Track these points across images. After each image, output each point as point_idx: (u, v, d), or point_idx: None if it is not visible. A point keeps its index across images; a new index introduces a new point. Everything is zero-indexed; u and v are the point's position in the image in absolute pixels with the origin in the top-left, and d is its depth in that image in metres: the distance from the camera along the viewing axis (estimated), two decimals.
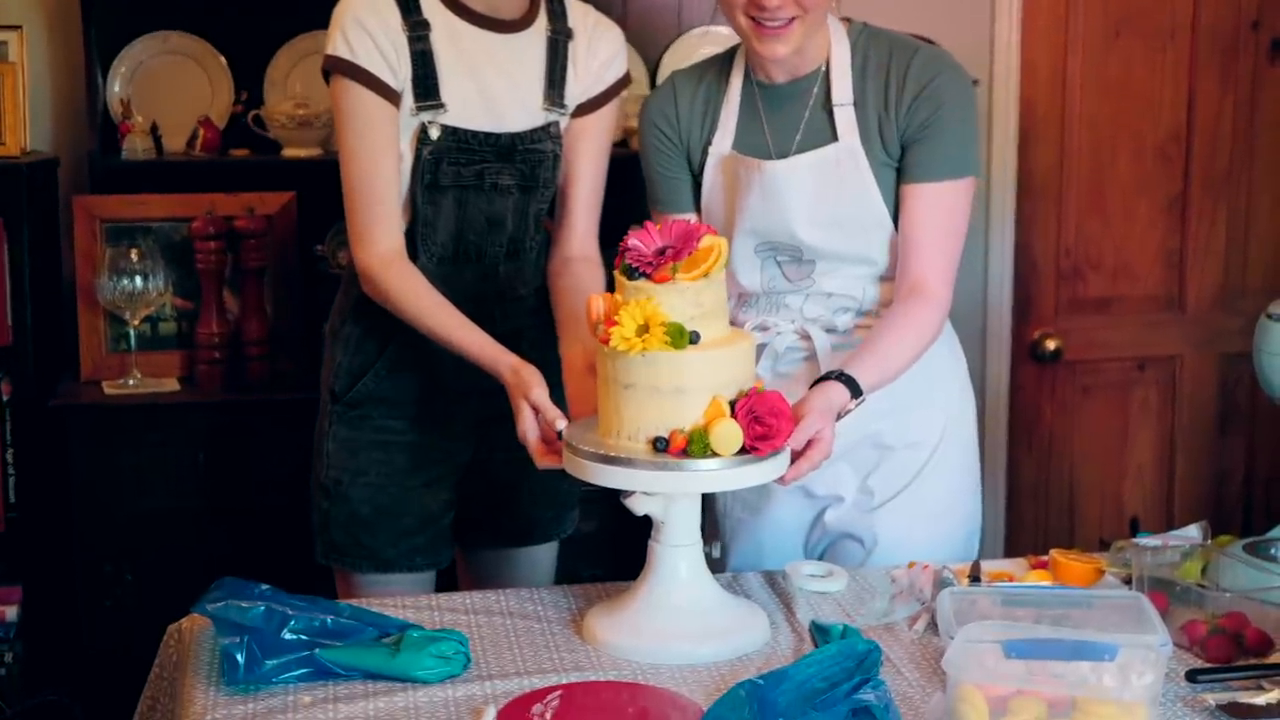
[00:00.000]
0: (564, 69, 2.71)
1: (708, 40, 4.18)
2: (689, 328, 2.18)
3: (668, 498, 2.24)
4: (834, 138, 2.57)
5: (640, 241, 2.24)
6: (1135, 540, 2.51)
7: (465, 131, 2.63)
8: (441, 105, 2.61)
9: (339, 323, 2.75)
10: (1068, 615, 2.20)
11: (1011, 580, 2.44)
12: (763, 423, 2.18)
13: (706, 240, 2.23)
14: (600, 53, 2.75)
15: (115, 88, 3.98)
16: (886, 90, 2.56)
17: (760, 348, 2.62)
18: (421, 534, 2.74)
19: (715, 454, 2.17)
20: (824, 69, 2.59)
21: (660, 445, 2.18)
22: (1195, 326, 4.58)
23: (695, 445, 2.17)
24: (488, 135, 2.64)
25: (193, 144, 3.93)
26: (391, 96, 2.59)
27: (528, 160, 2.68)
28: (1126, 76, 4.40)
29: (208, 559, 3.59)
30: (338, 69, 2.59)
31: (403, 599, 2.46)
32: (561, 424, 2.36)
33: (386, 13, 2.59)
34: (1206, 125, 4.52)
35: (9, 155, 3.73)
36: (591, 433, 2.29)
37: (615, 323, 2.18)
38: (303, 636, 2.15)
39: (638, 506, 2.24)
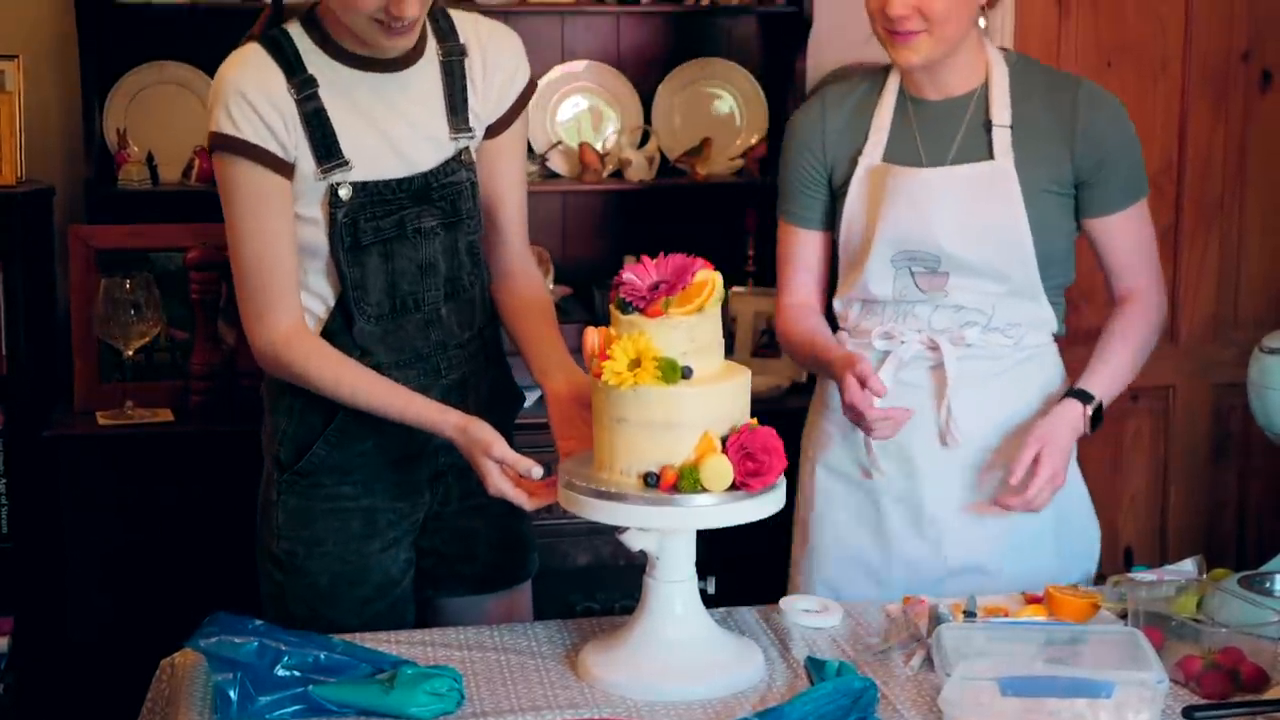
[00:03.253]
0: (464, 91, 2.58)
1: None
2: (682, 362, 2.18)
3: (663, 533, 2.23)
4: (989, 155, 2.64)
5: (635, 275, 2.25)
6: (1130, 575, 2.51)
7: (376, 183, 2.51)
8: (346, 162, 2.48)
9: (277, 390, 2.61)
10: (1064, 651, 2.20)
11: (1007, 615, 2.44)
12: (754, 459, 2.18)
13: (701, 275, 2.23)
14: (500, 66, 2.62)
15: (112, 117, 3.98)
16: (1052, 121, 2.65)
17: (884, 354, 2.69)
18: (382, 600, 2.64)
19: (705, 489, 2.17)
20: (982, 90, 2.68)
21: (651, 480, 2.18)
22: (1188, 357, 4.58)
23: (685, 481, 2.17)
24: (400, 181, 2.53)
25: (189, 174, 3.94)
26: (283, 169, 2.45)
27: (445, 196, 2.57)
28: None
29: (201, 592, 3.58)
30: (222, 146, 2.44)
31: (395, 635, 2.45)
32: (537, 471, 2.36)
33: (269, 78, 2.44)
34: (1198, 156, 4.53)
35: (4, 185, 3.73)
36: (587, 467, 2.29)
37: (608, 357, 2.19)
38: (296, 673, 2.14)
39: (633, 542, 2.24)
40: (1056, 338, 2.76)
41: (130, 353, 3.68)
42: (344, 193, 2.48)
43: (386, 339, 2.56)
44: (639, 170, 4.17)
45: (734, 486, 2.18)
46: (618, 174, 4.19)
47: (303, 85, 2.46)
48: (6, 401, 3.69)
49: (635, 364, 2.18)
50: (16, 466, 3.70)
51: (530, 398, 2.84)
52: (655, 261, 2.25)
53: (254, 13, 2.57)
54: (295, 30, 2.50)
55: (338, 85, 2.49)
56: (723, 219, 4.31)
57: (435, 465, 2.63)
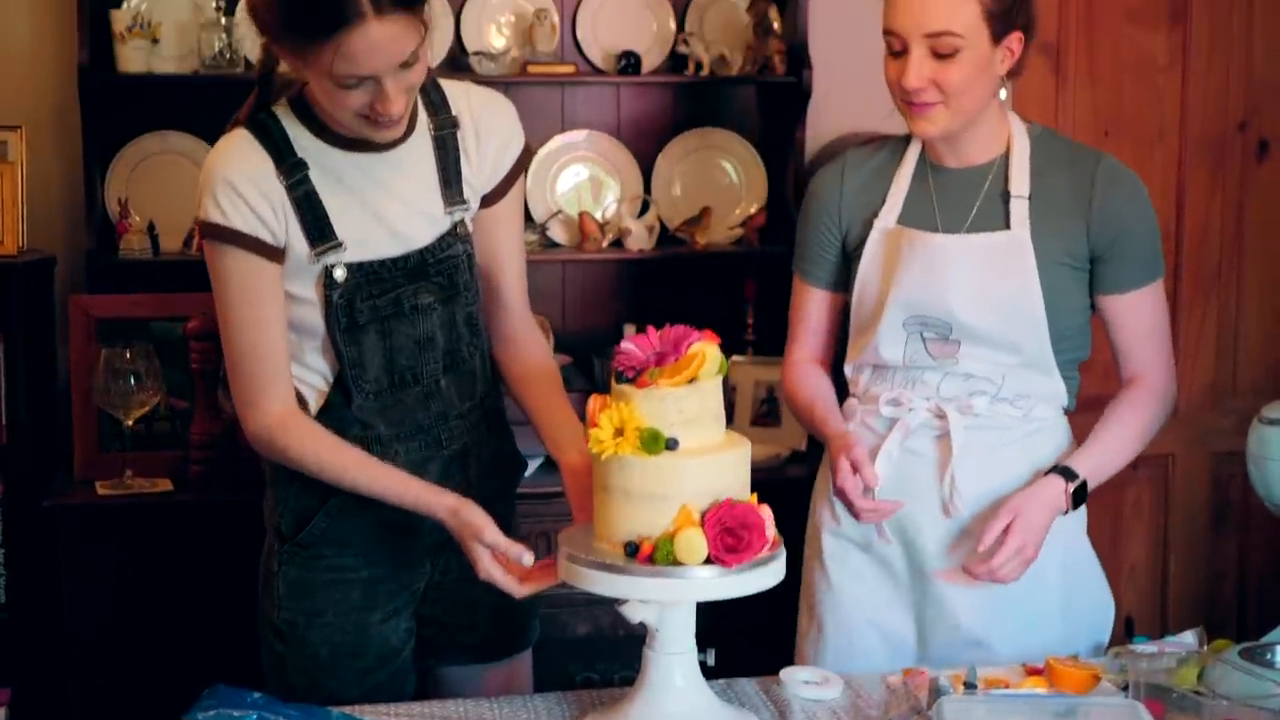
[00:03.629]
0: (457, 163, 2.56)
1: None
2: (670, 434, 2.18)
3: (662, 605, 2.23)
4: (1006, 225, 2.64)
5: (635, 346, 2.25)
6: (1131, 646, 2.50)
7: (371, 263, 2.49)
8: (339, 244, 2.46)
9: (278, 462, 2.58)
10: None
11: (1007, 687, 2.43)
12: (733, 534, 2.16)
13: (695, 347, 2.23)
14: (494, 135, 2.59)
15: (113, 187, 4.01)
16: (1070, 194, 2.64)
17: (891, 421, 2.69)
18: (382, 670, 2.62)
19: (679, 563, 2.16)
20: (1002, 160, 2.68)
21: (630, 550, 2.18)
22: (1187, 425, 4.59)
23: (660, 552, 2.16)
24: (395, 260, 2.50)
25: (190, 243, 3.95)
26: (273, 255, 2.44)
27: (442, 271, 2.55)
28: None
29: (200, 663, 3.57)
30: (211, 235, 2.43)
31: (395, 707, 2.43)
32: (528, 558, 2.35)
33: (257, 165, 2.42)
34: (1196, 225, 4.56)
35: (6, 255, 3.75)
36: (588, 537, 2.29)
37: (596, 424, 2.20)
38: None
39: (633, 614, 2.23)
40: (1066, 411, 2.74)
41: (130, 422, 3.68)
42: (339, 274, 2.47)
43: (386, 413, 2.55)
44: (639, 239, 4.19)
45: (709, 561, 2.16)
46: (618, 243, 4.21)
47: (292, 170, 2.43)
48: (6, 471, 3.69)
49: (619, 433, 2.19)
50: (16, 536, 3.70)
51: (532, 465, 2.84)
52: (660, 332, 2.26)
53: (255, 84, 2.56)
54: (283, 112, 2.47)
55: (328, 166, 2.46)
56: (723, 288, 4.32)
57: (437, 535, 2.62)
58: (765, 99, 4.39)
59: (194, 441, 3.75)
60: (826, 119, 4.27)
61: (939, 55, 2.54)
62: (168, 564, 3.65)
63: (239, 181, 2.41)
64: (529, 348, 2.72)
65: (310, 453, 2.48)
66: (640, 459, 2.17)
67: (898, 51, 2.58)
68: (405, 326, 2.53)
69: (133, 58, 3.92)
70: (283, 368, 2.49)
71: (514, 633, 2.78)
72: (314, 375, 2.55)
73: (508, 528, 2.69)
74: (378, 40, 2.25)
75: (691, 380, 2.21)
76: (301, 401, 2.55)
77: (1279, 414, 2.62)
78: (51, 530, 3.64)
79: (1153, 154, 4.52)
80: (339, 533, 2.57)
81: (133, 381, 3.64)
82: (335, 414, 2.53)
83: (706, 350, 2.23)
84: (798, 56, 4.18)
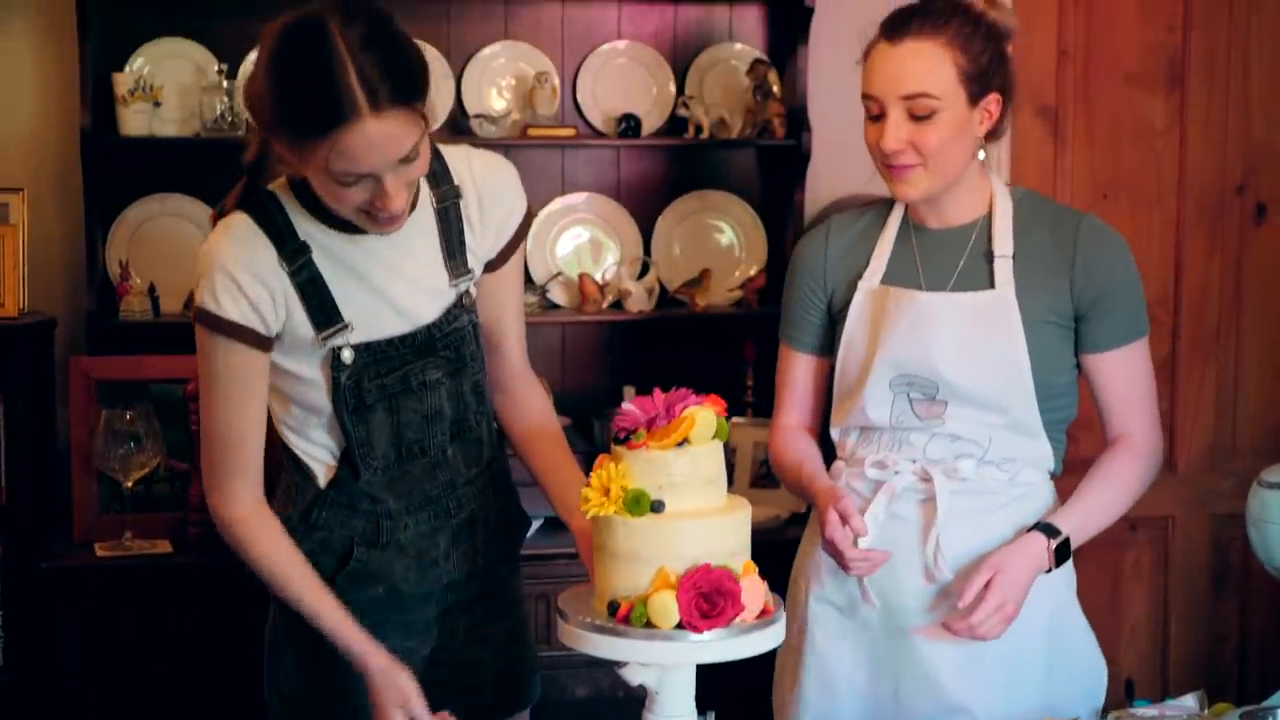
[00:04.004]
0: (461, 233, 2.51)
1: None
2: (658, 496, 2.19)
3: (662, 668, 2.22)
4: (990, 285, 2.64)
5: (636, 407, 2.26)
6: (1131, 710, 2.49)
7: (379, 343, 2.45)
8: (346, 325, 2.41)
9: (289, 532, 2.54)
10: None
11: None
12: (708, 600, 2.15)
13: (688, 411, 2.24)
14: (498, 202, 2.55)
15: (115, 248, 4.02)
16: (1054, 252, 2.64)
17: (876, 484, 2.67)
18: None
19: (652, 625, 2.15)
20: (984, 220, 2.68)
21: (612, 609, 2.19)
22: (1186, 487, 4.59)
23: (635, 614, 2.16)
24: (403, 338, 2.47)
25: (190, 305, 3.95)
26: (263, 345, 2.40)
27: (450, 345, 2.52)
28: None
29: None
30: (204, 321, 2.38)
31: None
32: None
33: (258, 252, 2.37)
34: (1194, 287, 4.57)
35: (7, 316, 3.75)
36: (586, 598, 2.28)
37: (588, 484, 2.22)
38: None
39: (633, 677, 2.22)
40: (1052, 476, 2.72)
41: (130, 484, 3.68)
42: (346, 356, 2.43)
43: (394, 486, 2.53)
44: (639, 301, 4.20)
45: (681, 625, 2.15)
46: (618, 304, 4.22)
47: (295, 255, 2.39)
48: (5, 532, 3.69)
49: (606, 493, 2.20)
50: (15, 597, 3.69)
51: (533, 526, 2.83)
52: (665, 395, 2.27)
53: (245, 172, 2.47)
54: (283, 194, 2.42)
55: (331, 249, 2.41)
56: (722, 349, 4.33)
57: (444, 603, 2.61)
58: (765, 162, 4.42)
59: (193, 503, 3.74)
60: (826, 182, 4.29)
61: (916, 117, 2.55)
62: (167, 626, 3.64)
63: (238, 272, 2.36)
64: (531, 404, 2.72)
65: (261, 556, 2.45)
66: (624, 519, 2.18)
67: (876, 115, 2.60)
68: (413, 402, 2.50)
69: (135, 121, 3.94)
70: (251, 460, 2.45)
71: (517, 692, 2.77)
72: (321, 450, 2.53)
73: (511, 590, 2.70)
74: (375, 138, 2.21)
75: (682, 444, 2.21)
76: (309, 475, 2.53)
77: (1279, 478, 2.62)
78: (51, 592, 3.63)
79: (1151, 216, 4.54)
80: (350, 604, 2.52)
81: (132, 443, 3.64)
82: (344, 489, 2.51)
83: (698, 414, 2.23)
84: (797, 120, 4.21)
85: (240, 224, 2.40)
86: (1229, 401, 4.62)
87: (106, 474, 3.70)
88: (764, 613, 2.21)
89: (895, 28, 2.59)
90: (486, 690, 2.72)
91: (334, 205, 2.34)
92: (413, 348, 2.48)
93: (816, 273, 2.78)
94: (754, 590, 2.19)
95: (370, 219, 2.33)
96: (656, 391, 2.26)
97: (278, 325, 2.40)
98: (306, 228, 2.40)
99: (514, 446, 2.72)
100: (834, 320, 2.77)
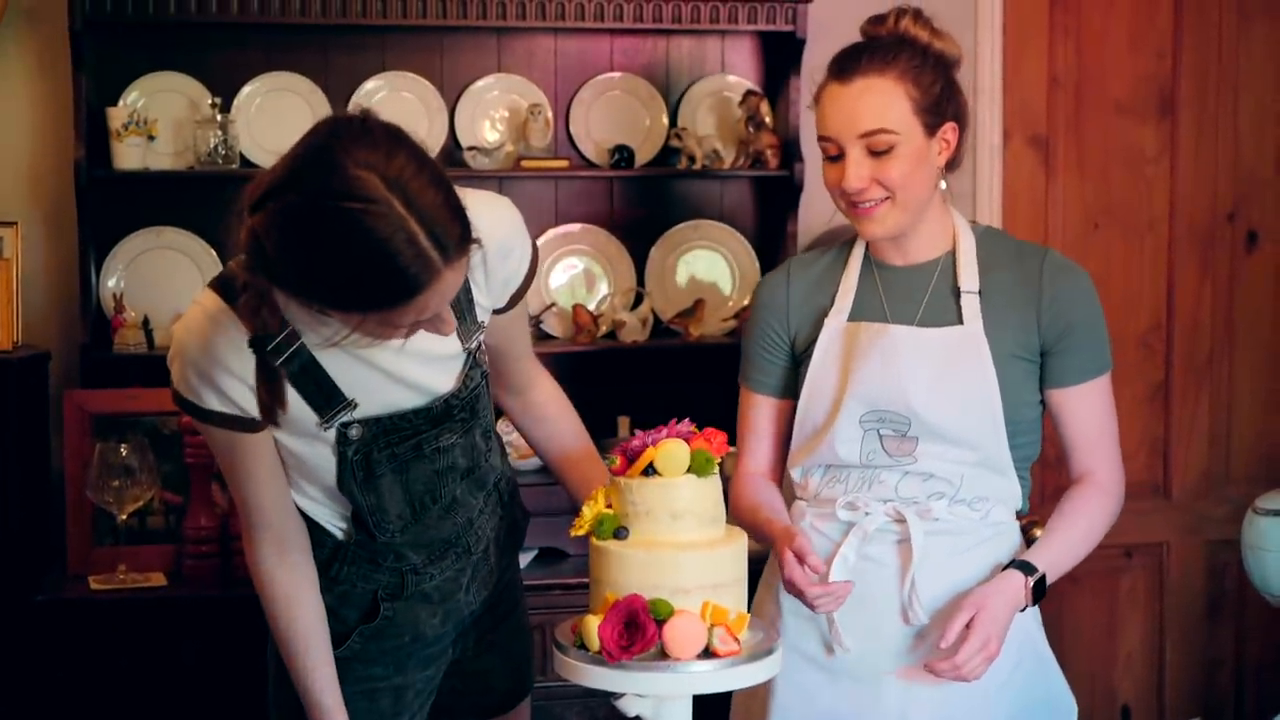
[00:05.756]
0: (469, 292, 2.36)
1: None
2: (625, 524, 2.24)
3: (658, 699, 2.22)
4: (958, 320, 2.62)
5: (639, 439, 2.30)
6: None
7: (390, 416, 2.33)
8: (350, 403, 2.28)
9: None
10: None
11: None
12: (625, 632, 2.17)
13: (662, 444, 2.26)
14: (504, 257, 2.39)
15: (109, 282, 4.02)
16: (1019, 287, 2.63)
17: (848, 526, 2.62)
18: None
19: (586, 648, 2.20)
20: (948, 256, 2.66)
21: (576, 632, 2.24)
22: (1181, 513, 4.59)
23: (577, 635, 2.23)
24: (416, 410, 2.35)
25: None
26: (255, 426, 2.25)
27: (466, 406, 2.41)
28: (1106, 268, 4.47)
29: None
30: (182, 407, 2.26)
31: None
32: None
33: (237, 349, 2.19)
34: (1186, 315, 4.58)
35: (0, 350, 3.75)
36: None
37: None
38: None
39: (629, 708, 2.22)
40: (1019, 515, 2.68)
41: (124, 517, 3.67)
42: (354, 433, 2.31)
43: (412, 541, 2.47)
44: (633, 331, 4.21)
45: (599, 653, 2.18)
46: (612, 335, 4.23)
47: (283, 345, 2.20)
48: None
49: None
50: (8, 631, 3.68)
51: (526, 558, 2.83)
52: (669, 426, 2.31)
53: (249, 180, 2.10)
54: (281, 296, 2.14)
55: (324, 333, 2.16)
56: (716, 379, 4.32)
57: (461, 627, 2.60)
58: (758, 192, 4.43)
59: (188, 536, 3.74)
60: (818, 212, 4.28)
61: (875, 153, 2.54)
62: (162, 659, 3.63)
63: (214, 370, 2.20)
64: (547, 403, 2.70)
65: (270, 618, 2.42)
66: (595, 543, 2.24)
67: (834, 156, 2.58)
68: (424, 465, 2.41)
69: (129, 154, 3.95)
70: (270, 520, 2.37)
71: (521, 687, 2.78)
72: (336, 517, 2.46)
73: (514, 590, 2.72)
74: (448, 286, 2.06)
75: (649, 473, 2.25)
76: (327, 533, 2.46)
77: (1274, 505, 2.63)
78: (44, 625, 3.62)
79: (1143, 244, 4.56)
80: (370, 652, 2.50)
81: (126, 476, 3.63)
82: (366, 548, 2.46)
83: (665, 446, 2.26)
84: (789, 150, 4.22)
85: (215, 315, 2.21)
86: (1223, 428, 4.63)
87: (100, 507, 3.69)
88: (731, 653, 2.20)
89: (844, 67, 2.57)
90: (495, 691, 2.72)
91: (379, 340, 2.15)
92: (428, 418, 2.38)
93: (779, 313, 2.74)
94: (687, 631, 2.17)
95: (406, 337, 2.17)
96: (673, 423, 2.30)
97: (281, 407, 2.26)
98: (294, 312, 2.18)
99: (547, 464, 2.74)
100: (797, 361, 2.73)
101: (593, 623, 2.18)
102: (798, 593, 2.49)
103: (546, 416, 2.71)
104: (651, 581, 2.20)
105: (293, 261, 2.01)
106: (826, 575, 2.53)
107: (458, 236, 2.04)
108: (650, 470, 2.25)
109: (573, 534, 2.25)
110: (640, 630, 2.15)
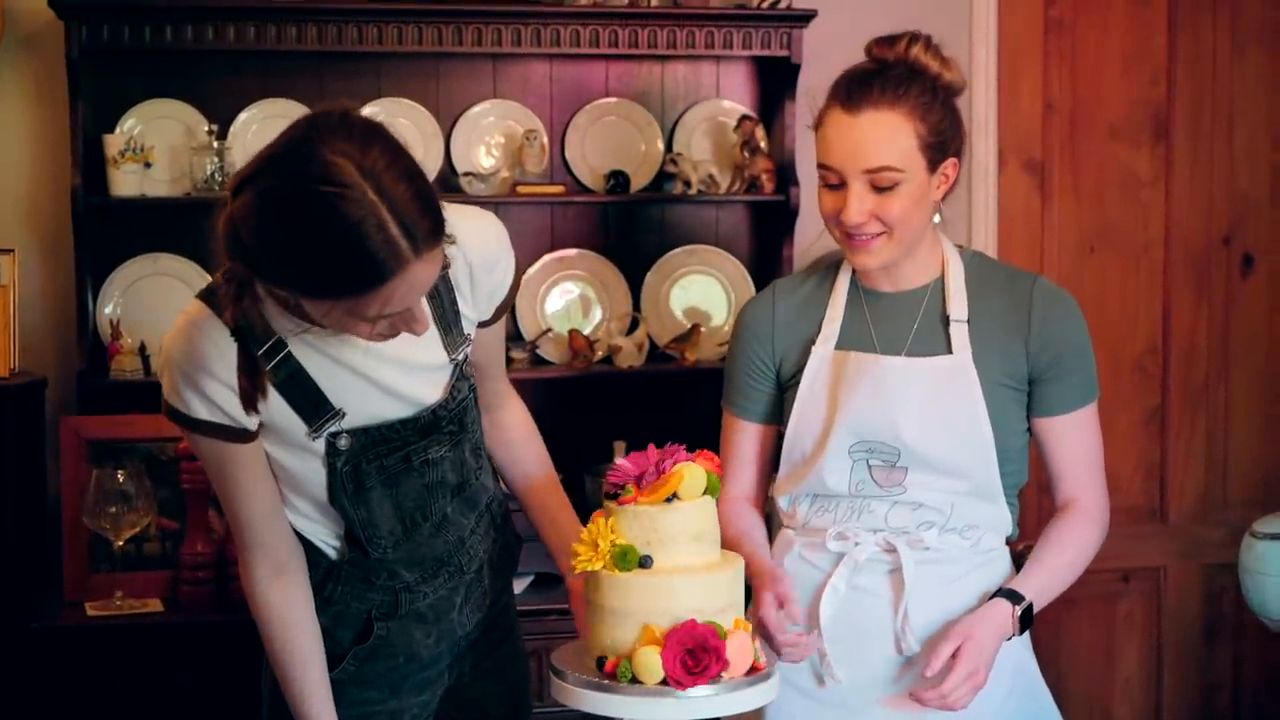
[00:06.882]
0: (454, 304, 2.39)
1: None
2: (646, 552, 2.20)
3: None
4: (947, 349, 2.59)
5: (631, 464, 2.26)
6: None
7: (378, 426, 2.34)
8: (338, 413, 2.29)
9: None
10: None
11: None
12: (693, 656, 2.15)
13: (678, 468, 2.24)
14: (490, 269, 2.42)
15: (106, 308, 4.03)
16: (1008, 315, 2.60)
17: (838, 557, 2.61)
18: None
19: (638, 681, 2.15)
20: (937, 284, 2.63)
21: (599, 665, 2.19)
22: (1178, 537, 4.59)
23: (622, 670, 2.16)
24: (404, 421, 2.36)
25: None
26: (244, 436, 2.26)
27: (454, 419, 2.43)
28: (1101, 292, 4.48)
29: None
30: (172, 419, 2.27)
31: None
32: None
33: (224, 357, 2.19)
34: (1182, 338, 4.59)
35: None
36: (579, 655, 2.28)
37: (580, 540, 2.23)
38: None
39: None
40: (1008, 541, 2.67)
41: (120, 543, 3.67)
42: (343, 443, 2.32)
43: (405, 559, 2.47)
44: (629, 356, 4.21)
45: (665, 682, 2.15)
46: (608, 360, 4.23)
47: (270, 353, 2.23)
48: None
49: (596, 548, 2.21)
50: (4, 657, 3.67)
51: (521, 584, 2.83)
52: (659, 451, 2.26)
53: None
54: (260, 288, 2.15)
55: (311, 341, 2.24)
56: (713, 404, 4.31)
57: (456, 650, 2.60)
58: (753, 216, 4.43)
59: (185, 562, 3.73)
60: (814, 236, 4.29)
61: (878, 189, 2.50)
62: (158, 685, 3.62)
63: (202, 378, 2.21)
64: (512, 419, 2.69)
65: (265, 639, 2.41)
66: (611, 575, 2.19)
67: (834, 185, 2.54)
68: (414, 478, 2.42)
69: (126, 181, 3.95)
70: (263, 537, 2.37)
71: (517, 712, 2.76)
72: (330, 535, 2.46)
73: (508, 614, 2.70)
74: (419, 279, 2.09)
75: (671, 499, 2.22)
76: (320, 551, 2.46)
77: (1272, 529, 2.63)
78: (41, 651, 3.61)
79: (1138, 268, 4.56)
80: (366, 675, 2.50)
81: (123, 502, 3.63)
82: (359, 566, 2.46)
83: (687, 470, 2.23)
84: (785, 175, 4.23)
85: (203, 324, 2.23)
86: (1219, 452, 4.63)
87: (97, 533, 3.69)
88: (754, 669, 2.21)
89: (852, 96, 2.52)
90: (492, 717, 2.71)
91: (348, 332, 2.18)
92: (416, 429, 2.40)
93: (764, 338, 2.71)
94: (741, 647, 2.19)
95: (382, 336, 2.19)
96: (650, 448, 2.26)
97: (254, 421, 2.28)
98: (282, 322, 2.22)
99: (513, 493, 2.71)
100: (783, 387, 2.71)
101: (650, 654, 2.14)
102: (767, 635, 2.45)
103: (513, 440, 2.71)
104: (693, 606, 2.19)
105: (268, 244, 2.04)
106: (805, 624, 2.52)
107: (428, 229, 2.06)
108: (672, 496, 2.23)
109: (579, 570, 2.20)
110: (713, 654, 2.14)
